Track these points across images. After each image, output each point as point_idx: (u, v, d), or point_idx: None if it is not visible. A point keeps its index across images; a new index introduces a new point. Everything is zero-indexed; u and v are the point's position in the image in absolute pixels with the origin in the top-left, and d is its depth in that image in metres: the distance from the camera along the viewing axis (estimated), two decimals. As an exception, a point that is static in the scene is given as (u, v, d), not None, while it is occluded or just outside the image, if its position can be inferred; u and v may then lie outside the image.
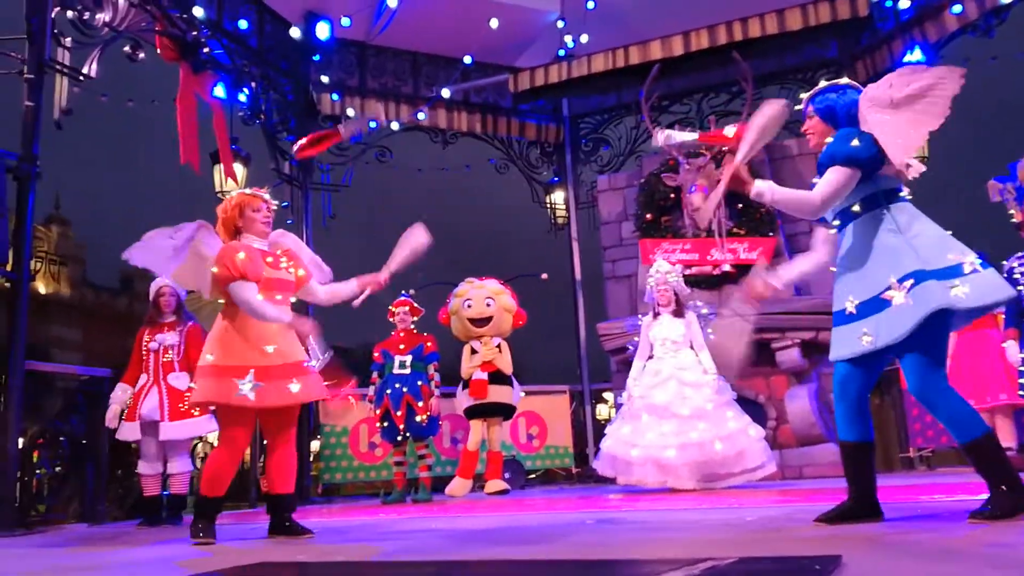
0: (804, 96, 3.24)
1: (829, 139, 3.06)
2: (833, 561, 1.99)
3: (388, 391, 6.80)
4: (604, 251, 9.19)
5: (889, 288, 2.82)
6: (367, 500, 8.29)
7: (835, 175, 2.93)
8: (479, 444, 7.15)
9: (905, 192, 3.02)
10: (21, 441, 5.42)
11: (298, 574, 2.53)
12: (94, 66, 6.16)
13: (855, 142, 2.92)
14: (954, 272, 2.76)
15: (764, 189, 3.05)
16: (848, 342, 2.93)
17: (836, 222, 3.11)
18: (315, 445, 8.60)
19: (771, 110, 3.12)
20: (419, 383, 6.82)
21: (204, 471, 3.75)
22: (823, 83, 3.21)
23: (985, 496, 2.83)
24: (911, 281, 2.78)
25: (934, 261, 2.80)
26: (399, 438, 6.84)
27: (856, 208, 3.00)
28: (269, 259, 3.80)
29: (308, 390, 3.73)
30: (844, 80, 3.20)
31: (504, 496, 6.84)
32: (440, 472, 8.52)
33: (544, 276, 8.27)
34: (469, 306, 7.23)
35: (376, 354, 7.06)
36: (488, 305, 7.21)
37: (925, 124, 2.88)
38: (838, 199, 2.98)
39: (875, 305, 2.86)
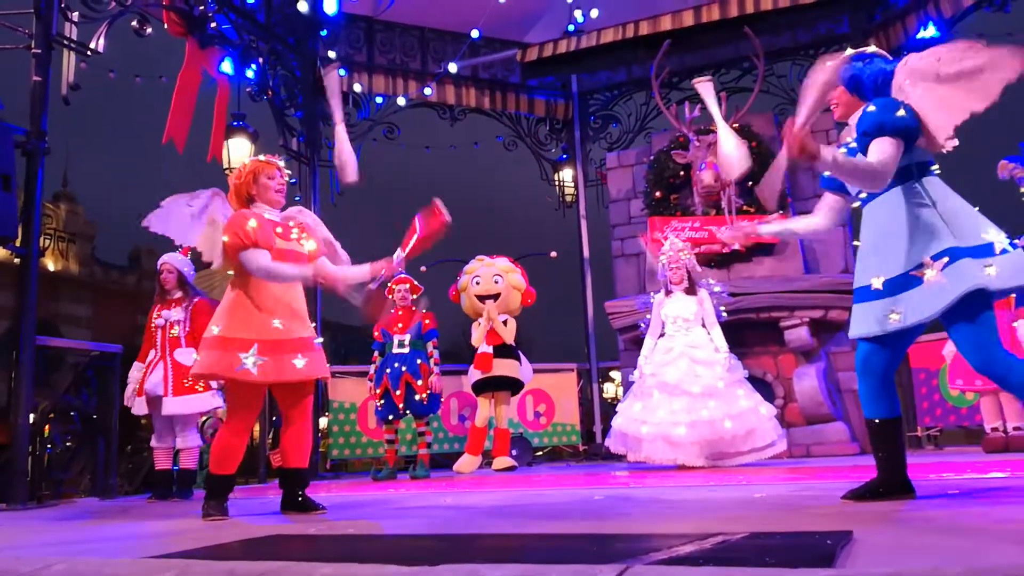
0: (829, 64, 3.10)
1: (856, 111, 2.99)
2: (844, 536, 1.98)
3: (387, 370, 6.81)
4: (613, 229, 9.16)
5: (921, 265, 2.75)
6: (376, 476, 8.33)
7: (887, 146, 2.82)
8: (487, 421, 7.18)
9: (935, 167, 2.93)
10: (32, 416, 5.46)
11: (308, 547, 2.54)
12: (101, 41, 6.12)
13: (901, 112, 2.82)
14: (987, 251, 2.70)
15: (829, 157, 2.84)
16: (874, 319, 2.87)
17: (862, 195, 3.02)
18: (323, 421, 8.63)
19: (824, 71, 3.02)
20: (418, 361, 6.82)
21: (212, 448, 3.70)
22: (850, 51, 3.09)
23: (999, 475, 2.83)
24: (946, 259, 2.71)
25: (968, 239, 2.73)
26: (391, 417, 6.85)
27: (863, 194, 2.95)
28: (279, 229, 3.70)
29: (313, 367, 3.64)
30: (871, 48, 3.10)
31: (511, 473, 6.87)
32: (448, 449, 8.57)
33: (553, 254, 8.27)
34: (478, 283, 7.25)
35: (376, 333, 7.07)
36: (496, 282, 7.23)
37: (971, 105, 2.77)
38: (892, 169, 2.86)
39: (904, 282, 2.79)
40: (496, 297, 7.22)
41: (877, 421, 3.06)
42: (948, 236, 2.74)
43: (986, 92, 2.75)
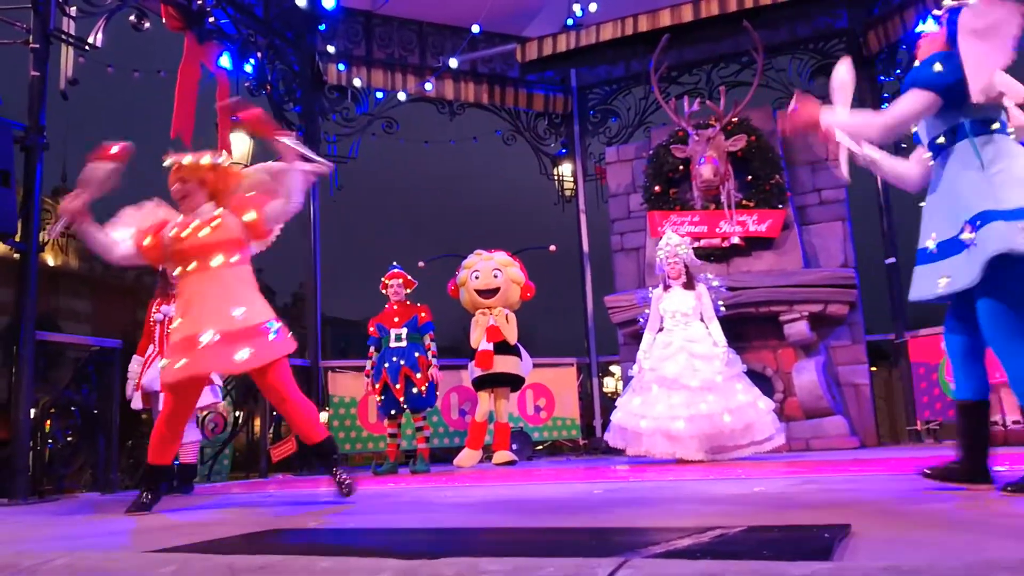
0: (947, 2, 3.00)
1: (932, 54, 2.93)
2: (842, 530, 1.99)
3: (386, 365, 6.81)
4: (612, 223, 9.16)
5: (963, 229, 2.67)
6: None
7: (908, 97, 2.84)
8: (487, 415, 7.19)
9: (996, 125, 2.82)
10: (33, 411, 5.47)
11: (308, 540, 2.55)
12: (99, 36, 6.12)
13: (937, 66, 2.81)
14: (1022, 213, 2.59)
15: (829, 119, 2.92)
16: (927, 283, 2.82)
17: (929, 154, 2.98)
18: (324, 416, 8.65)
19: (848, 70, 3.12)
20: (416, 355, 6.83)
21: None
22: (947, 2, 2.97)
23: (998, 469, 2.84)
24: (979, 221, 2.64)
25: (1009, 200, 2.62)
26: (393, 411, 6.86)
27: (941, 140, 2.88)
28: (174, 230, 3.75)
29: (196, 363, 3.59)
30: None
31: (511, 467, 6.88)
32: (448, 443, 8.58)
33: (552, 248, 8.27)
34: (477, 277, 7.25)
35: (372, 328, 7.06)
36: (495, 276, 7.23)
37: (995, 60, 2.71)
38: (907, 123, 2.86)
39: (955, 246, 2.71)
40: (496, 291, 7.22)
41: (959, 402, 2.99)
42: (988, 198, 2.65)
43: (1005, 46, 2.70)
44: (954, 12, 2.93)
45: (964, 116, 2.82)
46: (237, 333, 3.57)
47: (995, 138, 2.79)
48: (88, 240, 3.80)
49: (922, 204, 2.97)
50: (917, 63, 2.99)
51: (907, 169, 3.14)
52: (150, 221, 3.85)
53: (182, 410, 3.77)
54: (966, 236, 2.64)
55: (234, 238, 3.75)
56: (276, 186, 3.80)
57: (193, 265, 3.71)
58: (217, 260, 3.68)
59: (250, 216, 3.77)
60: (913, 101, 2.82)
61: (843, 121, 2.97)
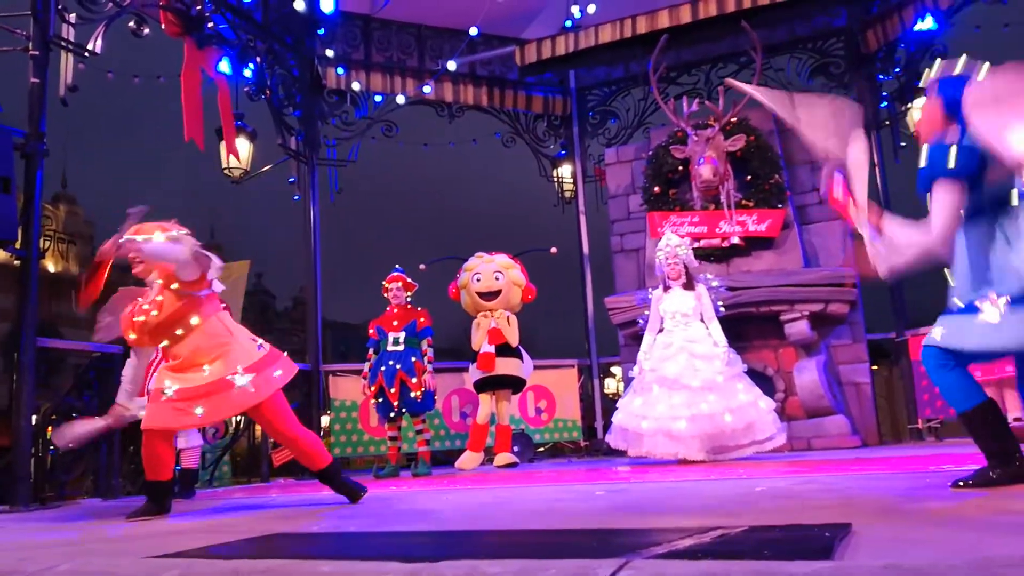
0: (930, 75, 3.05)
1: (937, 134, 2.94)
2: (843, 529, 1.99)
3: (382, 368, 6.82)
4: (612, 224, 9.17)
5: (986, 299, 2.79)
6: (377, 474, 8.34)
7: (944, 196, 2.83)
8: (488, 417, 7.19)
9: (1014, 196, 2.85)
10: (34, 418, 5.47)
11: (310, 545, 2.55)
12: (99, 42, 6.13)
13: (951, 159, 2.82)
14: None
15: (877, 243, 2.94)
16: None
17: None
18: (325, 420, 8.65)
19: (863, 146, 3.11)
20: (413, 359, 6.83)
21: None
22: (952, 68, 3.00)
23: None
24: (1007, 298, 2.75)
25: None
26: (392, 414, 6.87)
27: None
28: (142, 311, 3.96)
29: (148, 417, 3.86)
30: (958, 65, 2.99)
31: (513, 469, 6.88)
32: (450, 446, 8.58)
33: (553, 250, 8.27)
34: (478, 280, 7.25)
35: (371, 331, 7.07)
36: (497, 279, 7.23)
37: (1016, 123, 2.64)
38: (956, 219, 2.85)
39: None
40: (497, 294, 7.22)
41: (966, 413, 3.03)
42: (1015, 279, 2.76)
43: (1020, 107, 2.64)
44: (944, 83, 2.96)
45: (982, 196, 2.85)
46: (199, 389, 3.77)
47: (1014, 212, 2.83)
48: None
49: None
50: (924, 148, 2.95)
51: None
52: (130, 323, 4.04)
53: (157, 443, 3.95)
54: (987, 307, 2.76)
55: (182, 307, 3.90)
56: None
57: (167, 342, 3.94)
58: (180, 331, 3.90)
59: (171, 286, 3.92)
60: (951, 198, 2.82)
61: (904, 261, 2.92)
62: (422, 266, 8.02)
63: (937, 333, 2.92)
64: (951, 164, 2.82)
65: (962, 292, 2.89)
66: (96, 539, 3.07)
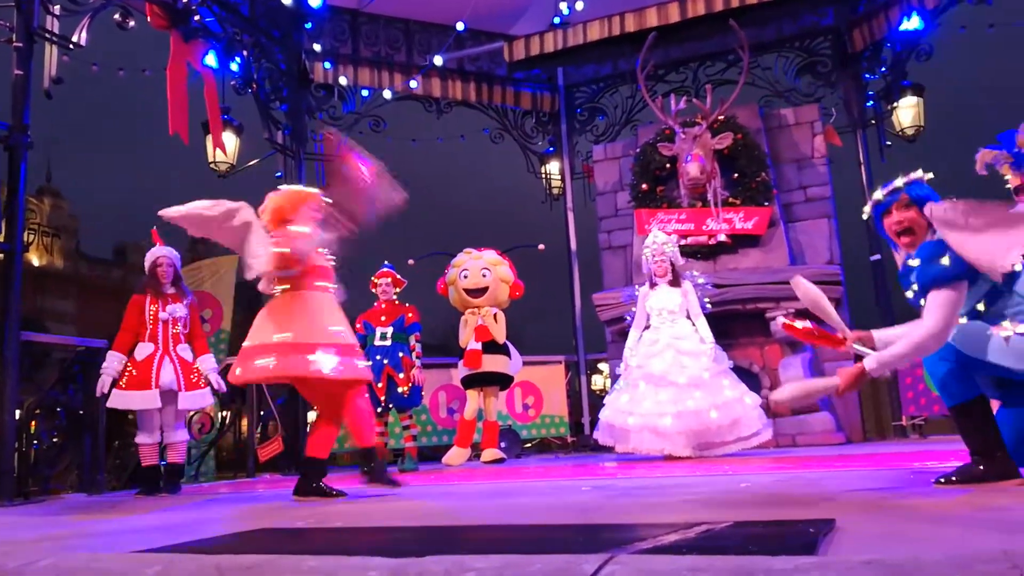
0: (898, 182, 3.03)
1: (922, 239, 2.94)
2: (827, 524, 2.01)
3: (369, 363, 6.79)
4: (600, 221, 9.18)
5: None
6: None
7: (944, 300, 2.79)
8: (475, 413, 7.20)
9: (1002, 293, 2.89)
10: (18, 412, 5.43)
11: (295, 540, 2.55)
12: (83, 34, 6.07)
13: (946, 260, 2.78)
14: None
15: (875, 366, 2.86)
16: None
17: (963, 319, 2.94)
18: (312, 415, 8.62)
19: (803, 288, 3.15)
20: (400, 355, 6.82)
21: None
22: (911, 176, 3.03)
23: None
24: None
25: None
26: (379, 410, 6.86)
27: (980, 307, 2.90)
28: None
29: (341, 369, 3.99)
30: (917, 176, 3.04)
31: (500, 465, 6.89)
32: (437, 442, 8.58)
33: (541, 247, 8.27)
34: (466, 276, 7.24)
35: (358, 325, 7.06)
36: (484, 275, 7.22)
37: (989, 236, 2.71)
38: (955, 317, 2.83)
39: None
40: (484, 291, 7.22)
41: (958, 406, 2.97)
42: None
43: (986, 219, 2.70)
44: (913, 188, 2.96)
45: (975, 298, 2.88)
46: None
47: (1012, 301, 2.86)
48: None
49: None
50: (913, 261, 2.92)
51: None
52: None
53: (313, 399, 4.28)
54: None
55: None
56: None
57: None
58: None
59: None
60: (953, 300, 2.79)
61: (897, 359, 2.87)
62: (411, 261, 8.00)
63: (954, 332, 2.83)
64: (954, 265, 2.78)
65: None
66: (79, 534, 3.05)
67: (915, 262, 2.89)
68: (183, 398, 5.49)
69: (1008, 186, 5.66)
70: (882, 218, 3.05)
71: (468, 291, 7.21)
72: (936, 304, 2.79)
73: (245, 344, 4.08)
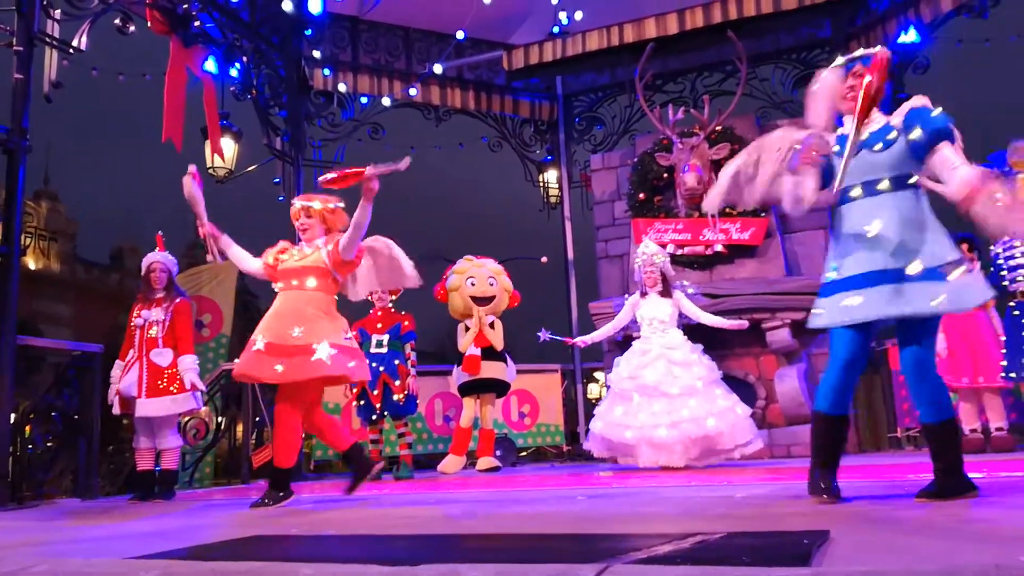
0: (858, 52, 3.13)
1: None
2: (821, 536, 2.01)
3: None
4: (597, 230, 9.19)
5: (948, 263, 2.84)
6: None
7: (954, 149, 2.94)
8: (472, 421, 7.19)
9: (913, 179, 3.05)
10: (13, 416, 5.42)
11: (290, 547, 2.55)
12: (84, 39, 6.09)
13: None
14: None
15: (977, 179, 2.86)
16: (911, 300, 2.85)
17: (857, 192, 3.02)
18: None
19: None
20: (396, 362, 6.81)
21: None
22: (870, 50, 3.12)
23: (975, 475, 2.90)
24: (965, 266, 2.86)
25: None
26: (374, 417, 6.85)
27: (885, 185, 2.97)
28: (283, 256, 4.40)
29: (242, 364, 4.20)
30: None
31: (495, 473, 6.88)
32: (432, 449, 8.57)
33: (544, 259, 8.29)
34: (473, 284, 7.24)
35: (354, 332, 7.03)
36: (491, 284, 7.26)
37: None
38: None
39: (937, 275, 2.83)
40: (491, 299, 7.24)
41: (842, 416, 3.10)
42: (954, 248, 2.89)
43: None
44: (867, 60, 3.08)
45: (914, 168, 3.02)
46: (283, 348, 4.09)
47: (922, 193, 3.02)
48: (227, 250, 4.49)
49: (868, 229, 2.97)
50: (896, 121, 3.08)
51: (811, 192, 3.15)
52: (273, 253, 4.50)
53: (278, 402, 4.24)
54: (954, 272, 2.82)
55: (317, 267, 4.31)
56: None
57: (280, 285, 4.34)
58: (299, 283, 4.30)
59: (328, 248, 4.32)
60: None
61: (974, 174, 2.90)
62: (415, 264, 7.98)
63: (936, 302, 2.87)
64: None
65: (928, 257, 2.91)
66: (73, 539, 3.05)
67: (939, 111, 2.96)
68: (140, 405, 5.34)
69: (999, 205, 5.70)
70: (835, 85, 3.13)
71: (475, 299, 7.19)
72: (957, 153, 2.91)
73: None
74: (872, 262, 2.91)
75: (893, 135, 2.99)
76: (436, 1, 9.40)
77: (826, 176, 3.12)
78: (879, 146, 2.99)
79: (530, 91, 10.40)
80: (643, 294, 6.46)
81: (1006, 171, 5.64)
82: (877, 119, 3.06)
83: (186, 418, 6.75)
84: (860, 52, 3.11)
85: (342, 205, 4.47)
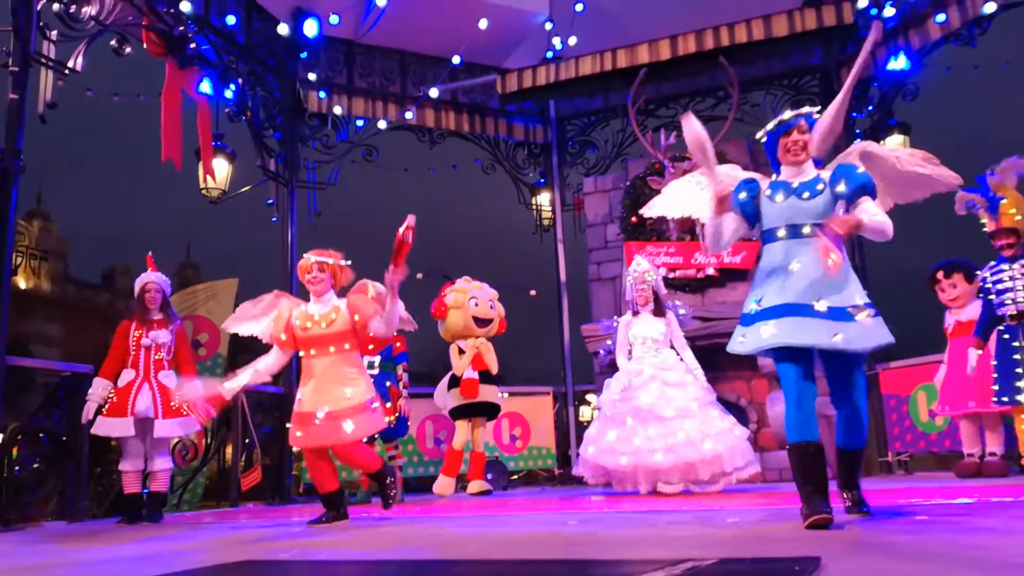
0: (804, 110, 3.46)
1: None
2: (812, 563, 2.01)
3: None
4: (589, 253, 9.22)
5: (856, 306, 3.15)
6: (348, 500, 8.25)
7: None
8: (464, 444, 7.16)
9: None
10: (1, 437, 5.37)
11: (280, 572, 2.53)
12: (80, 60, 6.11)
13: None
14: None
15: (867, 222, 3.21)
16: (815, 334, 3.12)
17: (782, 233, 3.32)
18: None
19: (691, 128, 3.38)
20: (387, 384, 6.78)
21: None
22: (810, 108, 3.51)
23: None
24: (872, 311, 3.17)
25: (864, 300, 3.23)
26: (365, 439, 6.80)
27: (807, 230, 3.26)
28: (308, 323, 4.50)
29: (309, 437, 4.41)
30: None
31: (487, 497, 6.84)
32: (423, 472, 8.52)
33: (533, 292, 8.29)
34: (476, 304, 7.22)
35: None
36: (491, 307, 7.26)
37: (904, 198, 3.58)
38: None
39: (844, 314, 3.13)
40: (490, 322, 7.25)
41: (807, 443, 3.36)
42: (861, 293, 3.21)
43: (921, 194, 3.52)
44: (810, 118, 3.46)
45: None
46: (344, 411, 4.34)
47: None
48: (242, 387, 4.60)
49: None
50: (825, 174, 3.41)
51: (725, 242, 3.60)
52: (272, 316, 4.64)
53: (315, 461, 4.51)
54: (860, 315, 3.13)
55: (347, 331, 4.50)
56: (378, 305, 4.50)
57: (313, 352, 4.48)
58: (333, 348, 4.47)
59: (358, 319, 4.50)
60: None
61: (874, 226, 3.24)
62: (419, 276, 7.96)
63: (838, 338, 3.17)
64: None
65: (836, 297, 3.21)
66: (60, 563, 3.02)
67: (861, 169, 3.32)
68: (159, 426, 5.37)
69: (985, 230, 5.74)
70: (778, 137, 3.42)
71: (476, 319, 7.17)
72: (877, 207, 3.28)
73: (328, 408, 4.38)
74: (788, 296, 3.20)
75: (821, 187, 3.31)
76: (431, 26, 9.47)
77: (750, 218, 3.46)
78: (807, 195, 3.31)
79: (524, 115, 10.46)
80: (635, 313, 6.35)
81: (991, 197, 5.69)
82: (809, 171, 3.39)
83: (176, 440, 6.70)
84: (805, 109, 3.45)
85: (350, 263, 4.69)
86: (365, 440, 6.75)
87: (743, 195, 3.44)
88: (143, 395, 5.37)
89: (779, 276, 3.26)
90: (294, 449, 8.50)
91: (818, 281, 3.17)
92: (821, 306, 3.13)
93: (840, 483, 3.51)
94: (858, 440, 3.44)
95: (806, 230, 3.27)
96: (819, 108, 3.51)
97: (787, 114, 3.42)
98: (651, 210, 4.20)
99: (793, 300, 3.17)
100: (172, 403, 5.43)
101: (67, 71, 6.02)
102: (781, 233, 3.32)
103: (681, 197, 3.96)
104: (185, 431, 5.69)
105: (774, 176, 3.50)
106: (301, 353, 4.54)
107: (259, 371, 4.50)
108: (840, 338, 3.08)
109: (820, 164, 3.46)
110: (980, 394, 6.13)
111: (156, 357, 5.51)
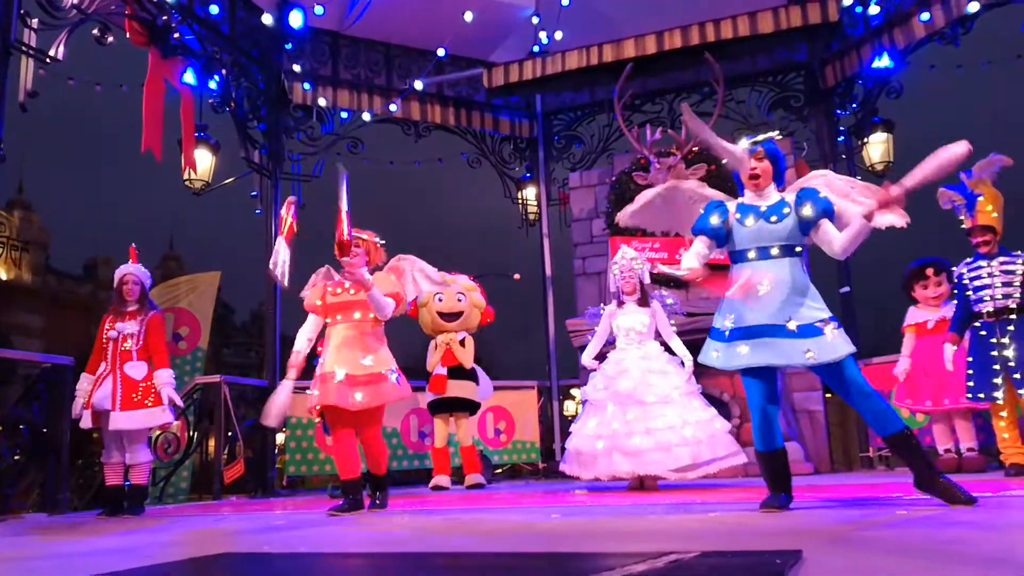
0: (760, 137, 3.69)
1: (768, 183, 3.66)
2: (793, 556, 2.02)
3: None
4: (575, 247, 9.23)
5: (822, 321, 3.39)
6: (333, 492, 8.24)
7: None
8: (445, 440, 7.15)
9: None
10: (-21, 429, 5.32)
11: (261, 565, 2.52)
12: (61, 49, 6.04)
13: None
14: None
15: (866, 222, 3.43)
16: (788, 354, 3.38)
17: (752, 255, 3.57)
18: (280, 437, 8.54)
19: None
20: None
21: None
22: (770, 134, 3.75)
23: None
24: (835, 324, 3.42)
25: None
26: None
27: (776, 252, 3.51)
28: (332, 287, 4.68)
29: (325, 395, 4.45)
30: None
31: (478, 491, 6.85)
32: (408, 466, 8.51)
33: (516, 276, 8.28)
34: (440, 299, 7.20)
35: (319, 348, 6.97)
36: (459, 300, 7.21)
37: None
38: None
39: (813, 330, 3.37)
40: (459, 315, 7.19)
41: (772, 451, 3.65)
42: (826, 309, 3.45)
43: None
44: (769, 144, 3.70)
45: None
46: (360, 377, 4.47)
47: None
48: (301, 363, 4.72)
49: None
50: (790, 197, 3.68)
51: (692, 267, 3.73)
52: (319, 293, 4.75)
53: (339, 427, 4.57)
54: (827, 328, 3.38)
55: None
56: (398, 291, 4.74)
57: (339, 317, 4.63)
58: (358, 315, 4.62)
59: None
60: None
61: (853, 235, 3.52)
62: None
63: (809, 355, 3.40)
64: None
65: (805, 314, 3.48)
66: (39, 555, 2.99)
67: (824, 194, 3.55)
68: (115, 418, 5.22)
69: (963, 227, 5.79)
70: None
71: (442, 315, 7.18)
72: (835, 229, 3.52)
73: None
74: (759, 316, 3.43)
75: (787, 210, 3.54)
76: (417, 18, 9.43)
77: (719, 237, 3.69)
78: (774, 218, 3.55)
79: (510, 109, 10.44)
80: (620, 304, 6.28)
81: (968, 194, 5.73)
82: (773, 194, 3.63)
83: (157, 432, 6.66)
84: (764, 136, 3.69)
85: (384, 243, 4.87)
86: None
87: (715, 219, 3.66)
88: (103, 387, 5.29)
89: (750, 297, 3.46)
90: (278, 441, 8.48)
91: (786, 300, 3.42)
92: (792, 325, 3.38)
93: (916, 481, 3.50)
94: (893, 423, 3.45)
95: (774, 251, 3.52)
96: (778, 133, 3.79)
97: (744, 142, 3.64)
98: (625, 219, 4.35)
99: (765, 321, 3.41)
100: (134, 395, 5.28)
101: (48, 60, 5.95)
102: (751, 255, 3.57)
103: (658, 210, 4.13)
104: (147, 423, 5.40)
105: (740, 199, 3.72)
106: (327, 320, 4.69)
107: (310, 339, 4.75)
108: (811, 355, 3.33)
109: (781, 185, 3.69)
110: (951, 391, 6.19)
111: (123, 348, 5.40)
